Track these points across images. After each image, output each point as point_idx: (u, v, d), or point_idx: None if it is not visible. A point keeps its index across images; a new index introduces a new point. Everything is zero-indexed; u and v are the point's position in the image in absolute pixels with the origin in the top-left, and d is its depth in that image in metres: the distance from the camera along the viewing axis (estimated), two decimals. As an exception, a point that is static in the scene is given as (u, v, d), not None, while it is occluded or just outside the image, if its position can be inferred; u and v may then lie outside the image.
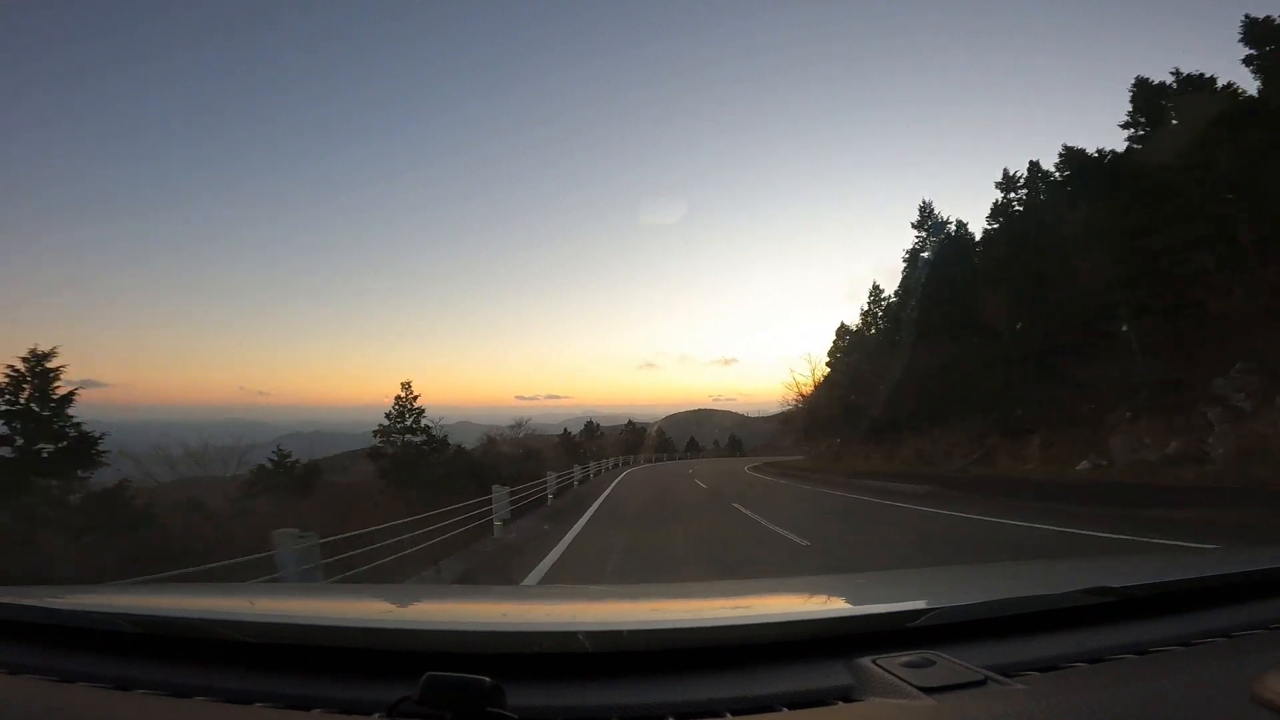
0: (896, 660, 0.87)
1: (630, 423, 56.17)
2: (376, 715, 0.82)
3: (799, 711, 0.80)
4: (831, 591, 1.60)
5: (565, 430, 50.11)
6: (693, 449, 54.54)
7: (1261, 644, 1.00)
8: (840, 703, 0.83)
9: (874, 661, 0.87)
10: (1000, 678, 0.83)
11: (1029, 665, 0.90)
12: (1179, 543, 5.77)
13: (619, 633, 1.05)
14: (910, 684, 0.81)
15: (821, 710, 0.81)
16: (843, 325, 36.45)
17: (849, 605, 1.25)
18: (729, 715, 0.80)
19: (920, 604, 1.04)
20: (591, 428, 49.46)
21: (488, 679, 0.78)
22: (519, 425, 36.54)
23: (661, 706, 0.83)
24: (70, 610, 1.21)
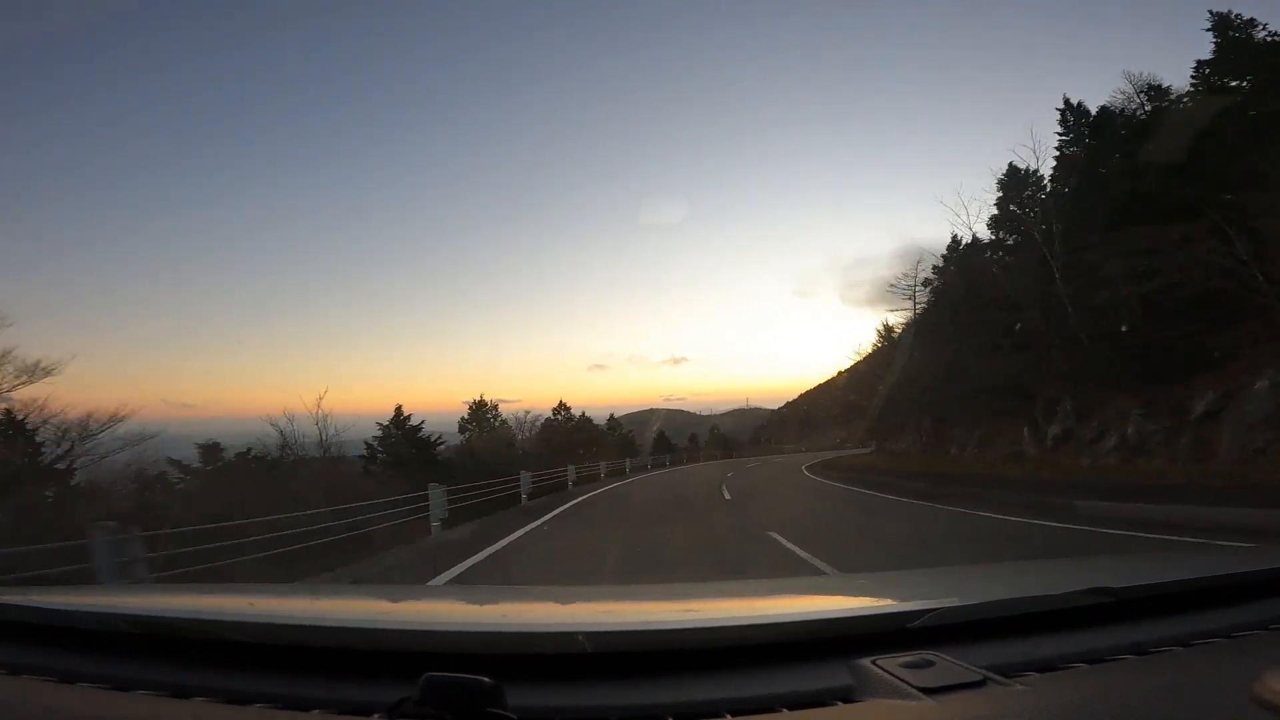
0: (896, 661, 0.87)
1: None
2: (376, 716, 0.82)
3: (798, 712, 0.80)
4: (831, 592, 1.61)
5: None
6: (662, 447, 44.91)
7: (1261, 644, 1.00)
8: (840, 703, 0.83)
9: (873, 662, 0.87)
10: (1000, 678, 0.83)
11: (1029, 666, 0.90)
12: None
13: (619, 633, 1.05)
14: (910, 684, 0.81)
15: (821, 711, 0.81)
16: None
17: (849, 605, 1.25)
18: (728, 716, 0.80)
19: (920, 604, 1.04)
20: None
21: (487, 679, 0.78)
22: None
23: (661, 707, 0.83)
24: (70, 610, 1.21)
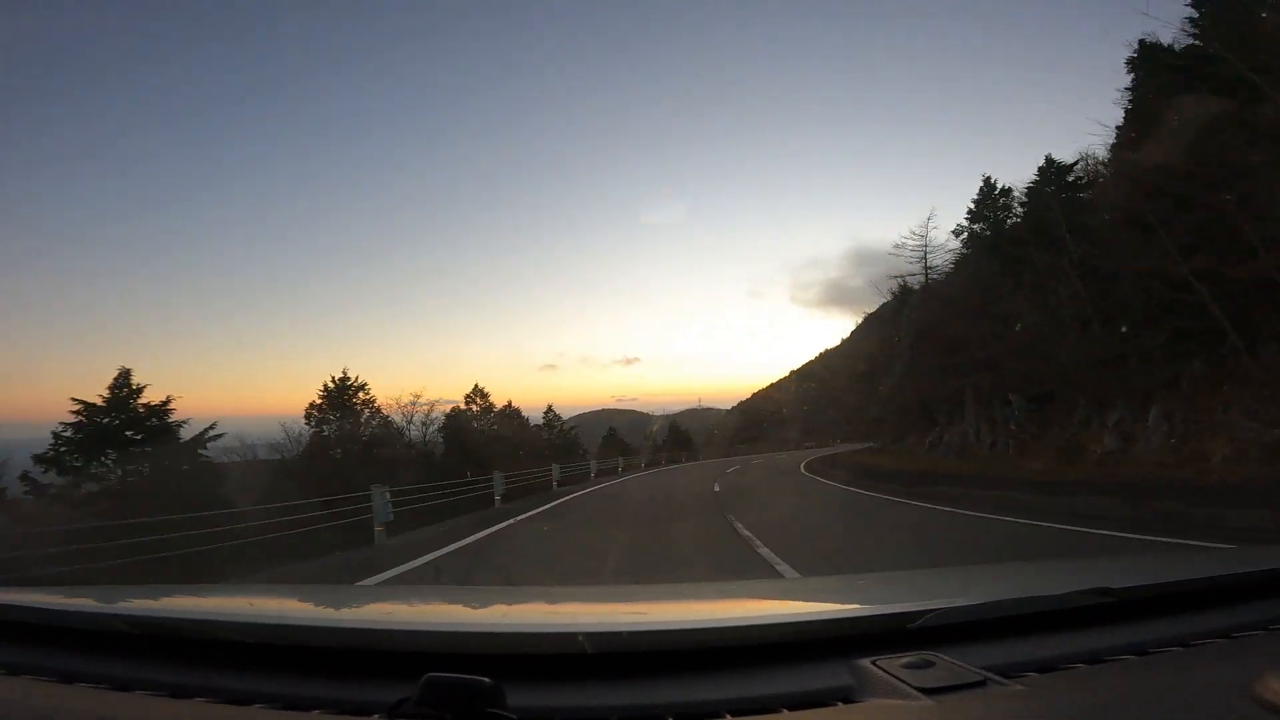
0: (896, 661, 0.87)
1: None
2: (376, 716, 0.82)
3: (798, 712, 0.80)
4: (831, 592, 1.61)
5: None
6: (612, 448, 37.23)
7: (1261, 645, 1.00)
8: (840, 704, 0.83)
9: (873, 662, 0.87)
10: (1000, 679, 0.83)
11: (1029, 666, 0.90)
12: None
13: (619, 633, 1.05)
14: (910, 685, 0.81)
15: (821, 711, 0.81)
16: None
17: (849, 606, 1.25)
18: (728, 716, 0.80)
19: (920, 605, 1.04)
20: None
21: (487, 679, 0.78)
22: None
23: (661, 707, 0.83)
24: (70, 611, 1.21)
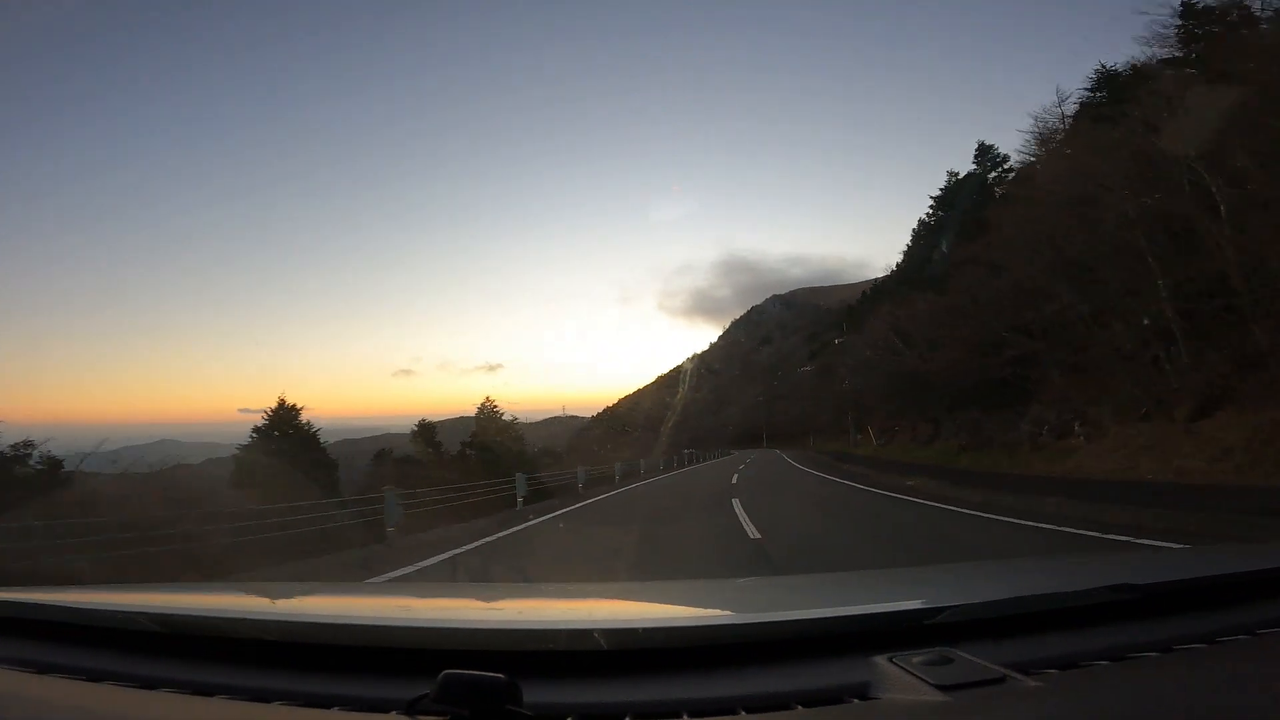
0: (913, 658, 0.86)
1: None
2: (394, 713, 0.82)
3: (814, 709, 0.80)
4: (848, 589, 1.60)
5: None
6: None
7: None
8: (856, 700, 0.82)
9: (890, 659, 0.87)
10: (1019, 676, 0.82)
11: (1049, 663, 0.89)
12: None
13: (634, 630, 1.05)
14: (927, 682, 0.80)
15: (837, 708, 0.81)
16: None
17: (865, 603, 1.25)
18: (743, 712, 0.80)
19: (938, 601, 1.04)
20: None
21: (504, 677, 0.78)
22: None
23: (676, 703, 0.83)
24: (96, 610, 1.23)
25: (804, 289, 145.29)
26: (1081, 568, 1.75)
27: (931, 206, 35.32)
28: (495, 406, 28.10)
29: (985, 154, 29.79)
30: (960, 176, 32.06)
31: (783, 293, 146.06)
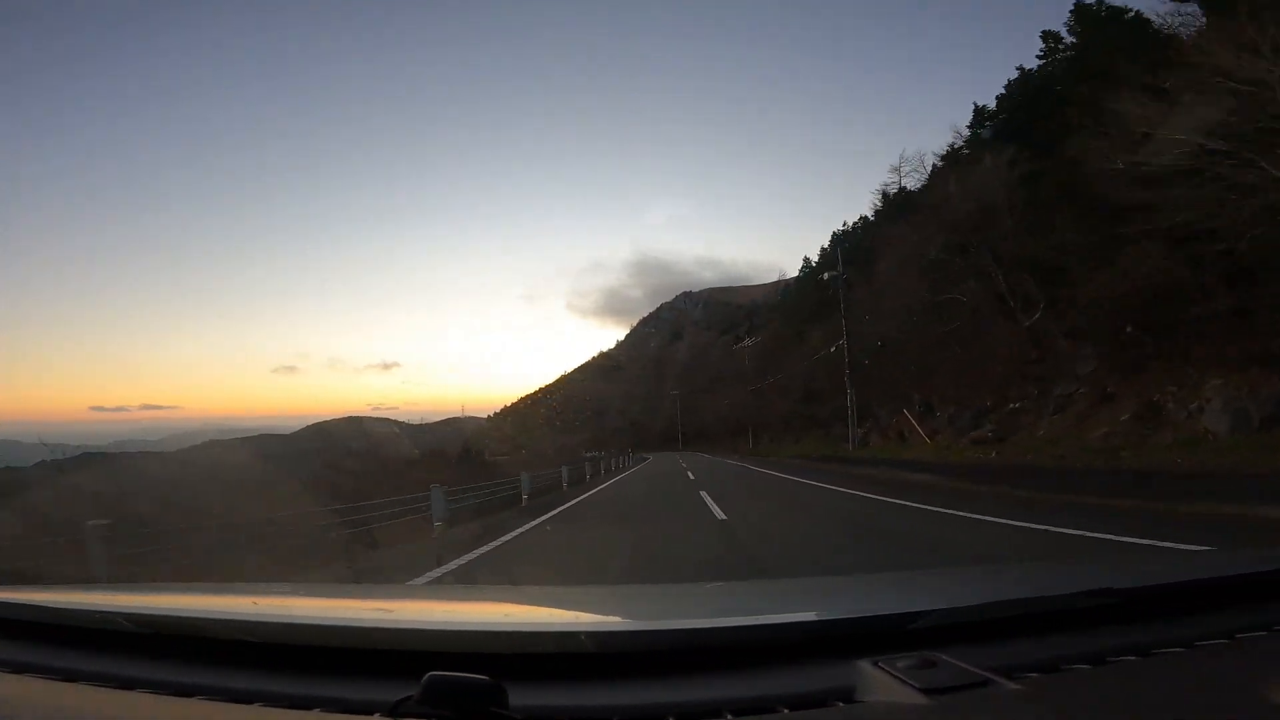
0: (898, 661, 0.86)
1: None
2: (378, 715, 0.82)
3: (799, 713, 0.80)
4: (833, 593, 1.60)
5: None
6: None
7: (1264, 646, 1.00)
8: (841, 704, 0.82)
9: (875, 663, 0.87)
10: (1003, 679, 0.83)
11: (1031, 666, 0.90)
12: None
13: (621, 633, 1.05)
14: (911, 685, 0.80)
15: (822, 711, 0.81)
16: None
17: (850, 607, 1.25)
18: (729, 715, 0.80)
19: (922, 605, 1.04)
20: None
21: (489, 679, 0.78)
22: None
23: (662, 707, 0.83)
24: (72, 609, 1.21)
25: (717, 288, 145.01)
26: (1064, 572, 1.77)
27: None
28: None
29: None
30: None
31: (695, 291, 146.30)
